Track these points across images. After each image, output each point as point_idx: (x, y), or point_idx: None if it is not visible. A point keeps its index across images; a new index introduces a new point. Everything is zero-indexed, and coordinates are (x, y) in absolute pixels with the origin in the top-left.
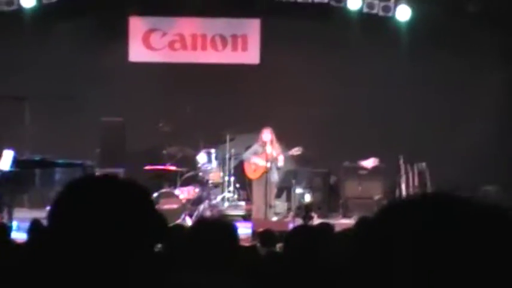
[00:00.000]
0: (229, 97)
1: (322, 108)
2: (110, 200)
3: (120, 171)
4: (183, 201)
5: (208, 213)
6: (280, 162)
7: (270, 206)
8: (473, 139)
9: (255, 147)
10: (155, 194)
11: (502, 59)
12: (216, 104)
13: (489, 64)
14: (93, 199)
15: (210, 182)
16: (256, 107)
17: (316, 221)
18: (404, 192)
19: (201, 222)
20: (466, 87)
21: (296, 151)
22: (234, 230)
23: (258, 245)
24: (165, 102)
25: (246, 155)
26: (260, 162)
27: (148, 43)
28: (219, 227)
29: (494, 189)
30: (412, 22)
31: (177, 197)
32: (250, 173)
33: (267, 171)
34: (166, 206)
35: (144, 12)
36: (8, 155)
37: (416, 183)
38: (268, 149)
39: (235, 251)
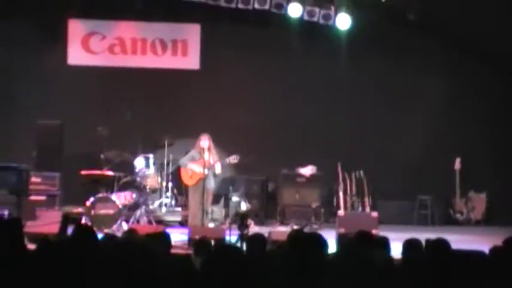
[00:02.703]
0: (168, 102)
1: (261, 115)
2: None
3: (56, 176)
4: (120, 206)
5: (145, 219)
6: (218, 169)
7: (207, 213)
8: (410, 149)
9: (192, 153)
10: (91, 199)
11: (441, 68)
12: (154, 108)
13: (428, 74)
14: None
15: (148, 187)
16: (195, 112)
17: (252, 228)
18: (342, 200)
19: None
20: (405, 96)
21: (233, 159)
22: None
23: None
24: (104, 106)
25: (183, 161)
26: (196, 168)
27: (87, 46)
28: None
29: (429, 198)
30: (352, 30)
31: (113, 202)
32: (187, 179)
33: (204, 178)
34: (102, 211)
35: (83, 15)
36: None
37: (353, 191)
38: (206, 155)
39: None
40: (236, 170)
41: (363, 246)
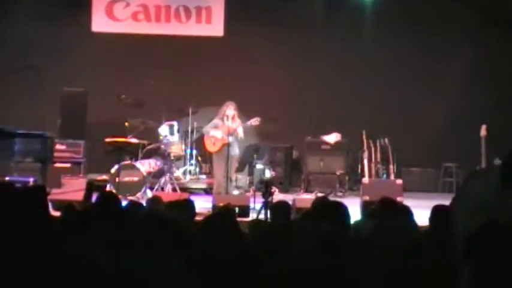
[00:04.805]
0: (192, 69)
1: (286, 82)
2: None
3: (80, 143)
4: (144, 173)
5: (169, 187)
6: (240, 133)
7: (231, 180)
8: (435, 116)
9: (215, 120)
10: (116, 167)
11: (468, 37)
12: (179, 76)
13: (454, 42)
14: None
15: (172, 155)
16: (219, 80)
17: (277, 196)
18: (366, 168)
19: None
20: (431, 64)
21: (254, 121)
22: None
23: None
24: (128, 73)
25: (206, 128)
26: (219, 135)
27: (111, 13)
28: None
29: (454, 166)
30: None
31: (138, 169)
32: (210, 146)
33: (228, 145)
34: (127, 178)
35: None
36: None
37: (378, 158)
38: (229, 122)
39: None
40: (260, 137)
41: (386, 213)
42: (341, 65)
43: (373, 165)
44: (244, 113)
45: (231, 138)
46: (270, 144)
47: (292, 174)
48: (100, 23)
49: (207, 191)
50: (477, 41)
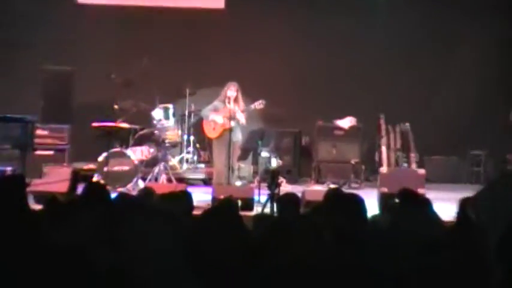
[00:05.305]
0: (190, 46)
1: (295, 60)
2: None
3: (65, 128)
4: (136, 162)
5: (164, 177)
6: (241, 119)
7: (233, 170)
8: (461, 99)
9: (216, 103)
10: (104, 154)
11: (492, 13)
12: (175, 53)
13: (477, 20)
14: None
15: (167, 141)
16: (220, 57)
17: (284, 187)
18: (384, 156)
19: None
20: (454, 44)
21: (259, 104)
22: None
23: None
24: (118, 50)
25: (205, 111)
26: (219, 119)
27: None
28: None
29: (482, 153)
30: None
31: (128, 157)
32: (210, 131)
33: (230, 130)
34: (116, 167)
35: None
36: None
37: (398, 145)
38: (231, 105)
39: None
40: (266, 121)
41: (406, 206)
42: (356, 41)
43: (392, 153)
44: (248, 94)
45: (233, 123)
46: (277, 130)
47: (301, 162)
48: None
49: (206, 182)
50: (503, 18)
